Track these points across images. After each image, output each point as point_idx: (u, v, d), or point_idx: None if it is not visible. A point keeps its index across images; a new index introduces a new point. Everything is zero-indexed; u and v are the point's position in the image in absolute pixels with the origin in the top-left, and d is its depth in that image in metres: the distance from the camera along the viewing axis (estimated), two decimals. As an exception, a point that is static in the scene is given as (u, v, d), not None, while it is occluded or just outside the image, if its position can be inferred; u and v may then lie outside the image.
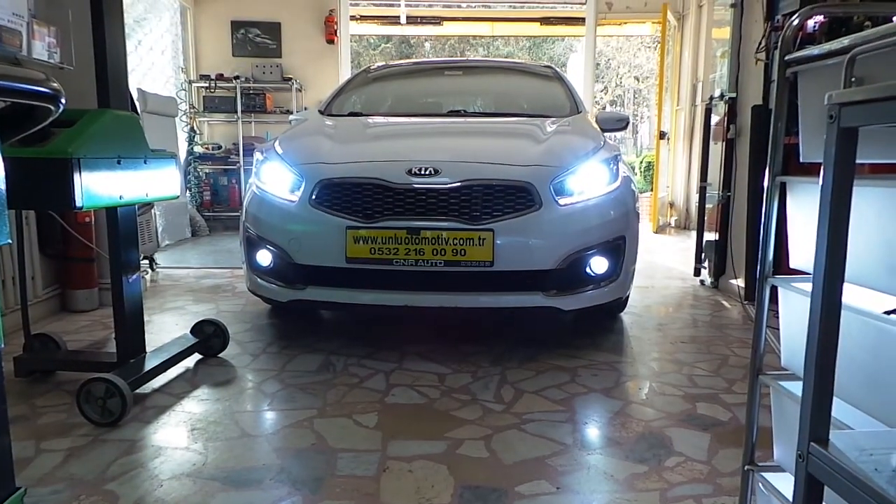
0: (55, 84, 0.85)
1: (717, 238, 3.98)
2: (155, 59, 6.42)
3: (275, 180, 2.71)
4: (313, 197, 2.54)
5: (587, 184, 2.60)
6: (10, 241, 0.88)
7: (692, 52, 6.89)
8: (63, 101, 0.85)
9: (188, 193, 6.62)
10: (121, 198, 1.99)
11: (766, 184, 1.18)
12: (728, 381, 2.37)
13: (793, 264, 1.15)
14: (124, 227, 2.22)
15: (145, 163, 2.11)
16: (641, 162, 10.53)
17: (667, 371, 2.49)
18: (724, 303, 3.65)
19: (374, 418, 2.02)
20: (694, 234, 4.50)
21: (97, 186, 1.85)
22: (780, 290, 1.15)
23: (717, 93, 4.21)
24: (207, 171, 6.96)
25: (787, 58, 1.15)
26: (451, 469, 1.69)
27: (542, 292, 2.51)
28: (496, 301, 2.53)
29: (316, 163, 2.66)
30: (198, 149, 6.88)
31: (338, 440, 1.86)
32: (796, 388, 1.06)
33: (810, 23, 2.93)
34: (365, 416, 2.04)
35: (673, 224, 7.34)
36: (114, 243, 2.22)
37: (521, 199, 2.48)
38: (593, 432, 1.97)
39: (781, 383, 1.05)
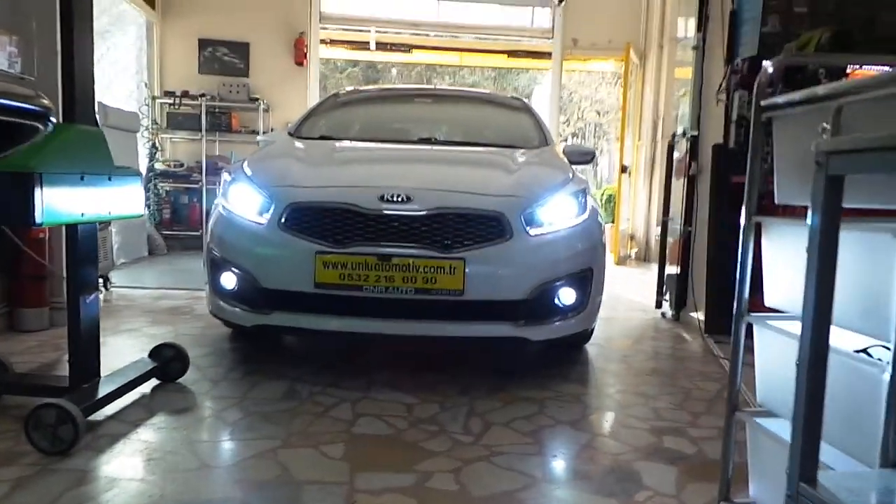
0: (45, 101, 0.82)
1: (678, 271, 4.07)
2: (117, 73, 6.29)
3: (243, 202, 2.65)
4: (282, 220, 2.49)
5: (556, 215, 2.63)
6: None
7: (653, 89, 7.11)
8: (53, 119, 0.82)
9: (147, 211, 6.45)
10: (82, 215, 1.91)
11: (742, 222, 1.21)
12: (692, 415, 2.40)
13: (768, 303, 1.18)
14: (84, 245, 2.14)
15: (109, 180, 2.04)
16: (602, 194, 10.73)
17: (631, 404, 2.51)
18: (685, 335, 3.72)
19: (341, 449, 1.97)
20: (654, 265, 4.58)
21: (58, 203, 1.78)
22: (755, 327, 1.17)
23: (679, 130, 4.34)
24: (168, 188, 6.81)
25: (762, 103, 1.20)
26: (421, 502, 1.66)
27: (512, 322, 2.51)
28: (466, 330, 2.52)
29: (286, 185, 2.62)
30: (159, 165, 6.74)
31: (303, 472, 1.80)
32: (773, 424, 1.07)
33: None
34: (331, 446, 1.98)
35: (633, 256, 7.48)
36: (72, 262, 2.13)
37: (493, 228, 2.49)
38: (562, 465, 1.96)
39: (759, 421, 1.07)
